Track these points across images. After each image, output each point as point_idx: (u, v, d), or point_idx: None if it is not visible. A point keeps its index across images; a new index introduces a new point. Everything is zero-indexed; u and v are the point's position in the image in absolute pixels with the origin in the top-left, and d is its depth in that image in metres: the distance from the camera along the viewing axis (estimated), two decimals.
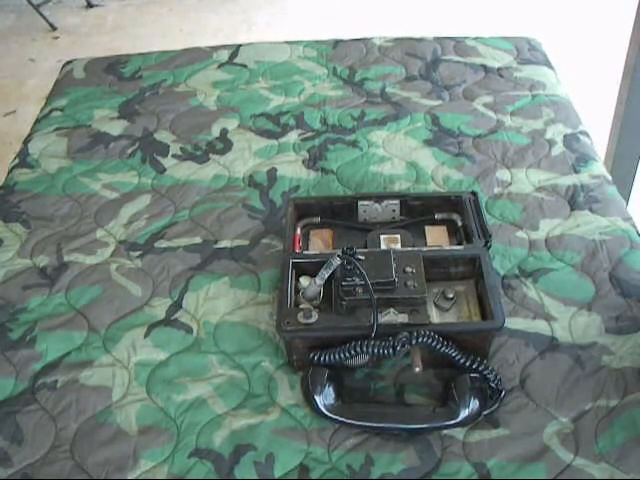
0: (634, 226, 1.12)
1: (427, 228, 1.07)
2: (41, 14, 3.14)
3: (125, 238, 1.14)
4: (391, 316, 0.89)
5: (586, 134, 1.33)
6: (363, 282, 0.88)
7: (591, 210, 1.14)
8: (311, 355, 0.87)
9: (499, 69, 1.51)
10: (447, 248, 1.00)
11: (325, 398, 0.85)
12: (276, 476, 0.82)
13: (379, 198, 1.09)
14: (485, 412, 0.85)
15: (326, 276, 0.91)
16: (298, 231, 1.06)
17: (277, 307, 0.92)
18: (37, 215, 1.20)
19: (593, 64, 2.59)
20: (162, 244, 1.13)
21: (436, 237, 1.06)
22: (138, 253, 1.11)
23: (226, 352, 0.96)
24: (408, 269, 0.93)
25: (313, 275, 0.93)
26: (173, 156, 1.32)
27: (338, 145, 1.32)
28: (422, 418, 0.85)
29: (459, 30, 1.83)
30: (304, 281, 0.95)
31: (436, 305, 0.95)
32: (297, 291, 0.95)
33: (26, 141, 1.40)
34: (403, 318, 0.88)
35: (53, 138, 1.39)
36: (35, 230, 1.17)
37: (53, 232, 1.17)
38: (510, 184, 1.20)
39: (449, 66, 1.53)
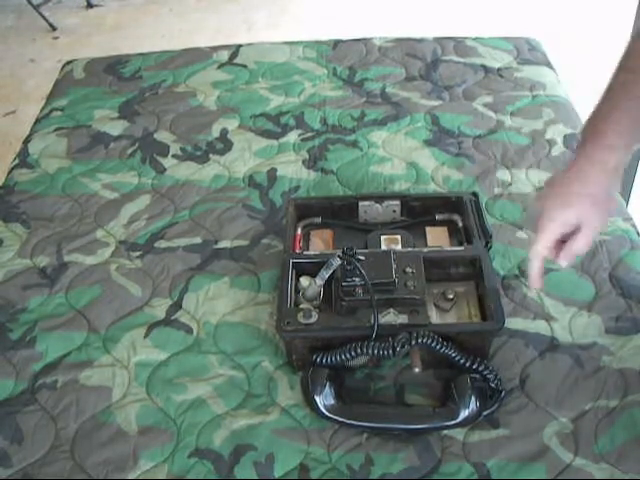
0: (634, 226, 1.12)
1: (427, 229, 1.07)
2: (41, 14, 3.14)
3: (125, 238, 1.14)
4: (391, 317, 0.89)
5: None
6: (363, 282, 0.88)
7: None
8: (314, 357, 0.87)
9: (499, 69, 1.51)
10: (447, 249, 1.00)
11: (325, 398, 0.85)
12: (276, 476, 0.82)
13: (380, 198, 1.09)
14: (485, 412, 0.84)
15: (326, 276, 0.91)
16: (298, 231, 1.06)
17: (277, 307, 0.92)
18: (37, 215, 1.20)
19: (593, 64, 2.59)
20: (162, 244, 1.13)
21: (436, 238, 1.06)
22: (138, 253, 1.11)
23: (226, 352, 0.96)
24: (408, 269, 0.93)
25: (313, 275, 0.93)
26: (173, 156, 1.32)
27: (338, 145, 1.32)
28: (422, 418, 0.85)
29: (459, 30, 1.83)
30: (304, 281, 0.95)
31: (436, 306, 0.94)
32: (297, 291, 0.95)
33: (26, 141, 1.40)
34: (403, 319, 0.88)
35: (53, 138, 1.39)
36: (35, 230, 1.17)
37: (53, 232, 1.17)
38: (510, 184, 1.20)
39: (449, 66, 1.53)
